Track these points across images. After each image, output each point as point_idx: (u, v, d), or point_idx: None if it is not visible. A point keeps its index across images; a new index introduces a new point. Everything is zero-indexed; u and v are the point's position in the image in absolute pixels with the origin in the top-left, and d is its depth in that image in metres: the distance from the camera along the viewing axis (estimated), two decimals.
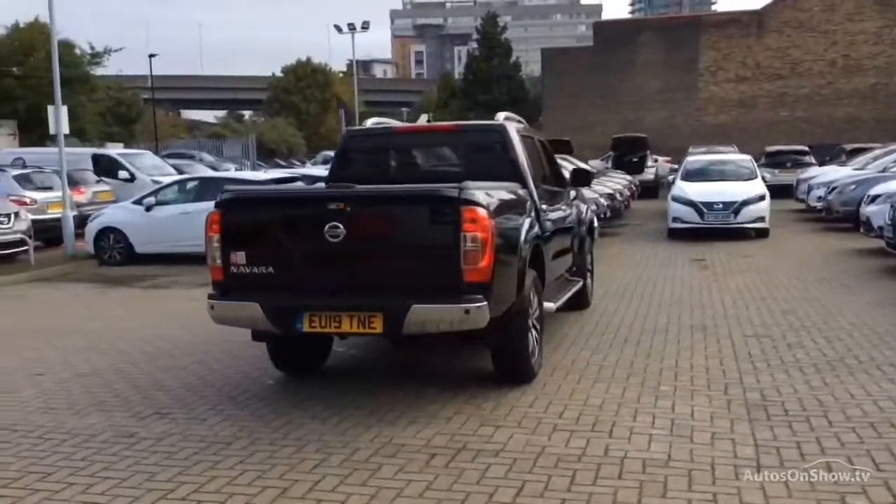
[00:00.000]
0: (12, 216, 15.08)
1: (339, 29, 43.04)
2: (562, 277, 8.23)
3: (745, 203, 16.24)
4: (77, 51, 42.71)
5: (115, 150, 26.49)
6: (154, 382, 6.55)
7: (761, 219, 16.30)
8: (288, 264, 5.52)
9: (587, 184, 8.84)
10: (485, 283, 5.23)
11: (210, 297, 5.68)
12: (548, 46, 56.83)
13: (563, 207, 7.99)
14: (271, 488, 4.27)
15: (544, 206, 7.03)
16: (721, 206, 16.26)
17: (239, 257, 5.50)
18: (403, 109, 74.06)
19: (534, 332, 6.29)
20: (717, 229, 16.31)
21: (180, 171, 23.13)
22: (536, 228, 6.56)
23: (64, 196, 15.82)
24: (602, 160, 31.49)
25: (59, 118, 15.62)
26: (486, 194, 5.43)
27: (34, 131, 39.70)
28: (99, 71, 47.63)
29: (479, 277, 5.21)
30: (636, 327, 8.16)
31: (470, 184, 5.32)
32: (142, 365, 7.17)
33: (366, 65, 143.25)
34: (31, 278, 13.26)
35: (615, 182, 21.41)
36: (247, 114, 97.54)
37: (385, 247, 5.43)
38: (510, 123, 7.01)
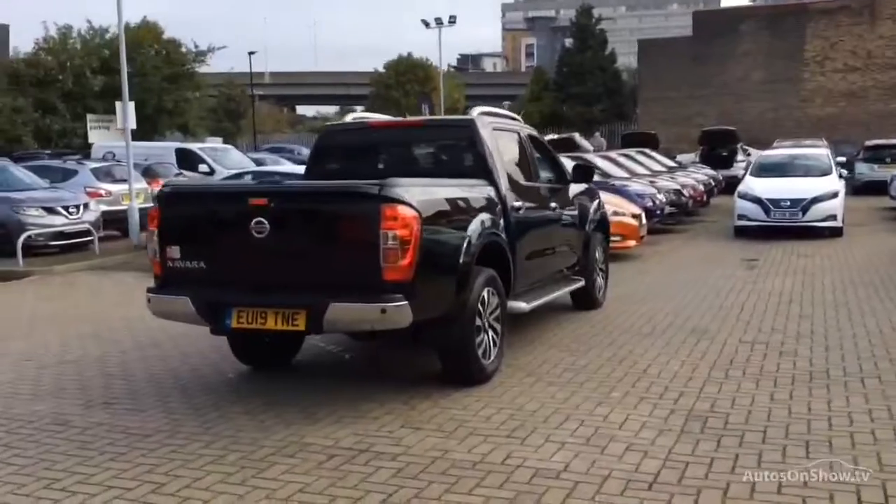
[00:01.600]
0: (81, 207, 15.82)
1: (426, 24, 43.22)
2: (555, 276, 8.00)
3: (815, 200, 15.41)
4: (183, 49, 44.54)
5: (197, 144, 27.38)
6: (125, 371, 6.74)
7: (832, 217, 15.43)
8: (218, 259, 5.56)
9: (589, 180, 8.56)
10: (406, 282, 5.12)
11: (149, 290, 5.79)
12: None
13: (555, 205, 7.75)
14: (149, 483, 4.31)
15: (520, 204, 6.83)
16: (788, 203, 15.49)
17: (174, 252, 5.58)
18: (505, 102, 73.58)
19: (491, 332, 6.14)
20: (787, 227, 15.55)
21: (260, 165, 23.73)
22: (498, 226, 6.39)
23: (130, 188, 16.44)
24: (696, 154, 30.61)
25: (126, 113, 16.25)
26: (416, 191, 5.31)
27: (140, 126, 41.64)
28: (211, 68, 49.49)
29: (399, 276, 5.10)
30: (633, 329, 7.85)
31: (395, 180, 5.22)
32: (128, 353, 7.39)
33: (475, 59, 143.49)
34: (90, 266, 13.84)
35: (689, 177, 20.74)
36: (358, 109, 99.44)
37: (308, 243, 5.39)
38: (482, 119, 6.83)
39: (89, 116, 37.32)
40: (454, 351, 5.85)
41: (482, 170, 6.61)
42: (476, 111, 6.98)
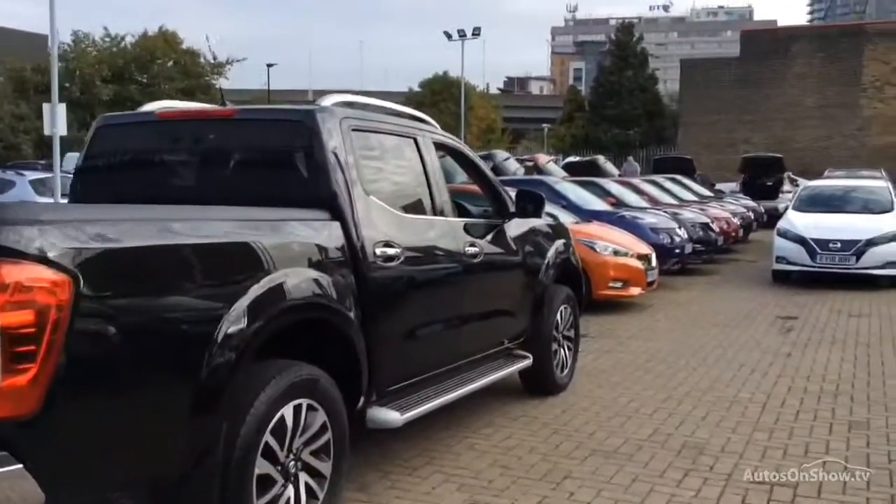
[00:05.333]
0: None
1: (448, 36, 40.82)
2: (478, 356, 5.34)
3: (872, 243, 12.49)
4: (201, 60, 42.60)
5: None
6: None
7: (893, 264, 12.49)
8: None
9: (535, 214, 5.88)
10: (25, 419, 2.51)
11: None
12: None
13: (475, 249, 5.07)
14: None
15: (396, 250, 4.21)
16: (839, 244, 12.59)
17: None
18: (545, 125, 70.90)
19: (304, 479, 3.52)
20: (836, 275, 12.65)
21: None
22: (340, 289, 3.81)
23: (56, 199, 14.27)
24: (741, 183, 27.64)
25: (55, 117, 14.03)
26: (69, 234, 2.69)
27: None
28: (247, 84, 47.66)
29: (8, 409, 2.50)
30: (592, 442, 5.15)
31: (10, 208, 2.66)
32: None
33: (522, 81, 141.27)
34: None
35: (723, 209, 17.92)
36: None
37: None
38: (331, 113, 4.18)
39: None
40: None
41: (322, 193, 4.01)
42: (328, 99, 4.36)
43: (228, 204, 3.81)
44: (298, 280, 3.57)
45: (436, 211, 4.84)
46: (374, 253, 4.10)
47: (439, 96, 64.28)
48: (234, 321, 3.17)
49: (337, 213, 3.98)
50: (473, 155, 5.71)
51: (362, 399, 4.04)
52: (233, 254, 3.34)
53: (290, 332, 3.55)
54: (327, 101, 4.34)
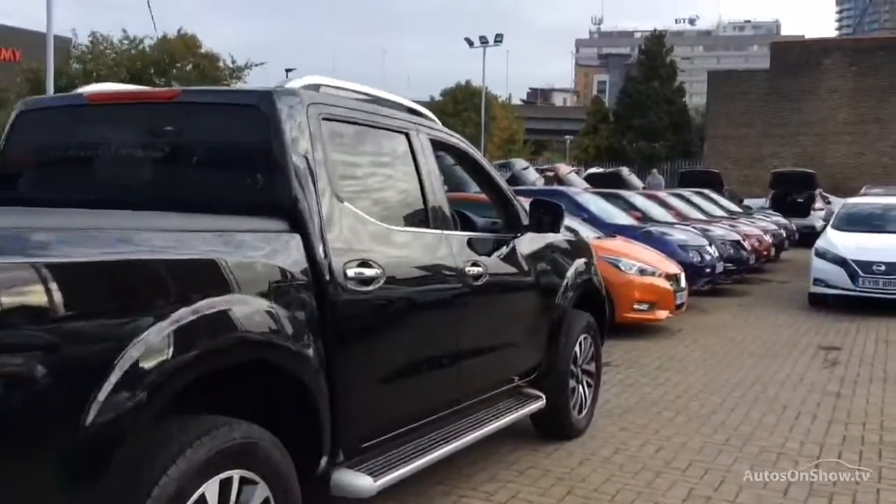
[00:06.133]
0: None
1: (470, 43, 39.91)
2: (481, 397, 4.46)
3: None
4: (220, 64, 42.04)
5: None
6: None
7: None
8: None
9: (553, 228, 5.00)
10: None
11: None
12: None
13: (478, 269, 4.19)
14: None
15: (375, 272, 3.35)
16: (883, 267, 11.59)
17: None
18: (567, 137, 69.95)
19: None
20: (880, 300, 11.65)
21: None
22: (297, 323, 2.96)
23: None
24: (767, 199, 26.61)
25: None
26: None
27: None
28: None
29: None
30: None
31: None
32: None
33: (545, 93, 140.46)
34: None
35: (754, 226, 16.94)
36: None
37: None
38: (299, 96, 3.34)
39: None
40: None
41: (279, 197, 3.16)
42: (296, 82, 3.50)
43: (168, 207, 3.00)
44: (236, 308, 2.71)
45: (430, 223, 3.97)
46: (346, 274, 3.24)
47: (461, 105, 63.54)
48: (133, 364, 2.32)
49: (297, 223, 3.13)
50: (481, 157, 4.85)
51: (324, 460, 3.17)
52: (133, 275, 2.48)
53: (223, 378, 2.70)
54: (294, 83, 3.48)
